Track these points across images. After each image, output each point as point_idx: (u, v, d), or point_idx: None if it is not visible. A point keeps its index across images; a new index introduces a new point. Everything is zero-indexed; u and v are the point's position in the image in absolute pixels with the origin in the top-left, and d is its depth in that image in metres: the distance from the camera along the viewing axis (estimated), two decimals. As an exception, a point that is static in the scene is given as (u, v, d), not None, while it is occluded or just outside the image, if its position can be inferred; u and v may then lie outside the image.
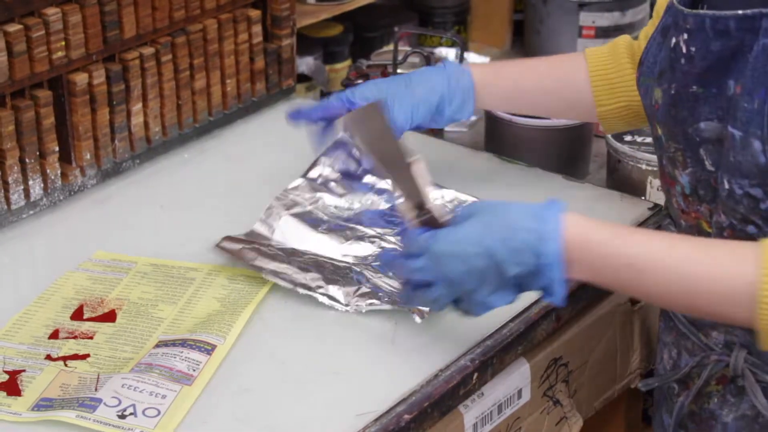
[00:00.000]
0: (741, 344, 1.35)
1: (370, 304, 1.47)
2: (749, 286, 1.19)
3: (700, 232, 1.35)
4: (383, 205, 1.67)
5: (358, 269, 1.53)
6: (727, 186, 1.27)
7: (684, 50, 1.30)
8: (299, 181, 1.69)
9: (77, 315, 1.47)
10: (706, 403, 1.41)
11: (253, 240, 1.58)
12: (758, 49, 1.22)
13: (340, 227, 1.62)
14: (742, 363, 1.35)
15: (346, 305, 1.47)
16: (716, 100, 1.27)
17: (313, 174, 1.70)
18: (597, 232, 1.26)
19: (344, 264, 1.54)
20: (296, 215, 1.63)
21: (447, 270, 1.28)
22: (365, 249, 1.58)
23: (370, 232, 1.62)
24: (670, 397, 1.47)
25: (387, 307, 1.47)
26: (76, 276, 1.54)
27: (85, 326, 1.45)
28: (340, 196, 1.68)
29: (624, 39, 1.64)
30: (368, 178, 1.70)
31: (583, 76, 1.63)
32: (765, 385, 1.34)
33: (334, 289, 1.49)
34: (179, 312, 1.47)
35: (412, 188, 1.35)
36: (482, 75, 1.64)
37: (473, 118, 2.28)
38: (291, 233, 1.60)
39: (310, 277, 1.50)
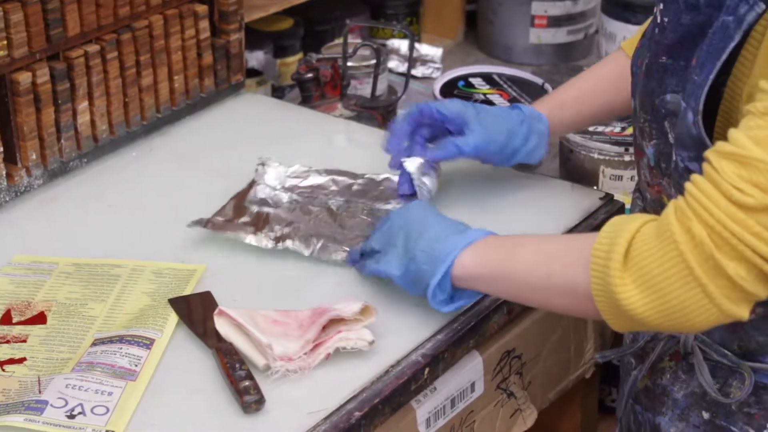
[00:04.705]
0: None
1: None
2: (591, 248, 1.23)
3: (662, 206, 1.35)
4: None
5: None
6: (674, 158, 1.28)
7: (659, 20, 1.31)
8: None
9: (6, 319, 1.45)
10: (659, 378, 1.43)
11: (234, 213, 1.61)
12: (717, 25, 1.22)
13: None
14: (692, 340, 1.36)
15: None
16: (683, 73, 1.27)
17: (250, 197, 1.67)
18: (498, 236, 1.37)
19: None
20: (262, 200, 1.65)
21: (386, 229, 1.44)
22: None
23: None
24: (628, 371, 1.48)
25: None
26: None
27: (16, 330, 1.43)
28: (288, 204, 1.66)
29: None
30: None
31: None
32: (712, 364, 1.36)
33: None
34: (110, 309, 1.46)
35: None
36: (550, 113, 1.64)
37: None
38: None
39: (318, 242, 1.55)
